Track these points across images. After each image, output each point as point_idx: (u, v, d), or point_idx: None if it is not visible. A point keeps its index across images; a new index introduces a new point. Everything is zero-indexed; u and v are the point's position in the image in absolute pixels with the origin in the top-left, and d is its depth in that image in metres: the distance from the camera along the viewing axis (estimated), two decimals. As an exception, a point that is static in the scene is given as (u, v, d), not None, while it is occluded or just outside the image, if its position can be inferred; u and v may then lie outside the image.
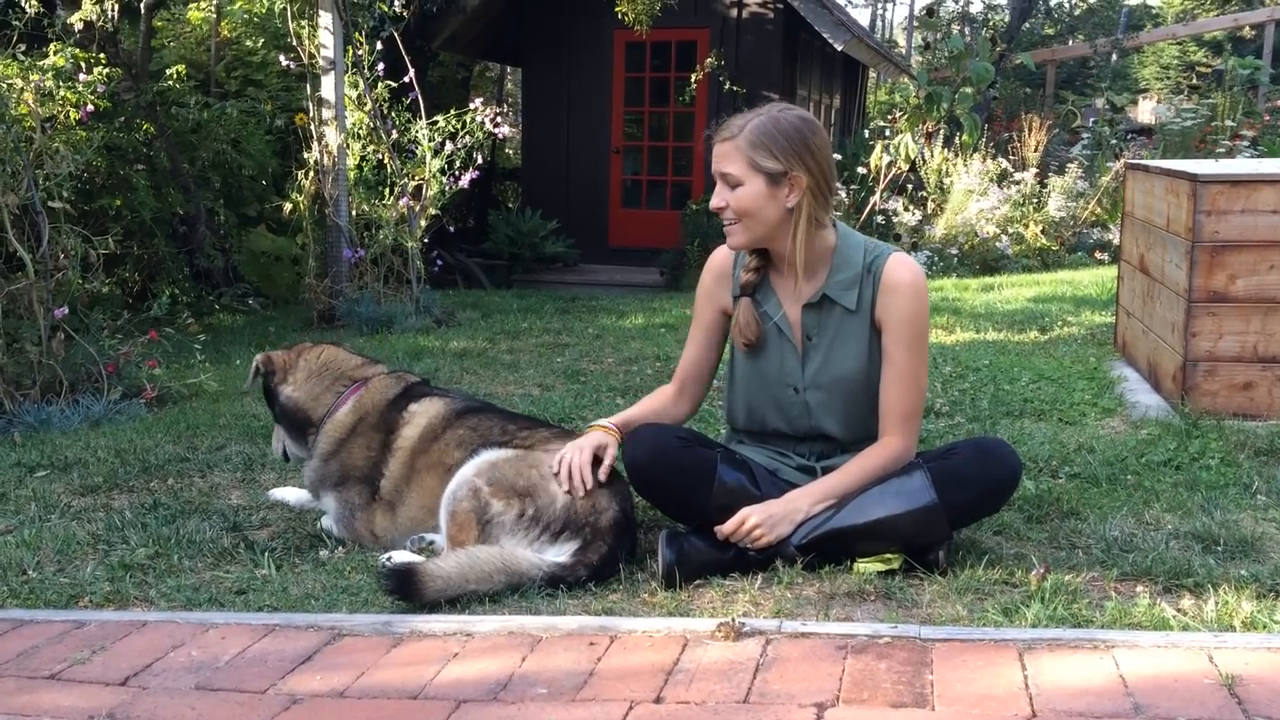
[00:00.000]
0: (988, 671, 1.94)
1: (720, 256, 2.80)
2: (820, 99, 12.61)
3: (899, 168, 8.69)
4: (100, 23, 7.04)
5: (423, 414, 2.90)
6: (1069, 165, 10.69)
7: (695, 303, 2.85)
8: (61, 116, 5.51)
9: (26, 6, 5.62)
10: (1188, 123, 11.30)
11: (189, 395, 4.91)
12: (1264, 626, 2.14)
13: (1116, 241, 7.12)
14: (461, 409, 2.91)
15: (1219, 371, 3.72)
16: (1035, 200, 9.91)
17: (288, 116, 8.43)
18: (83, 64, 5.69)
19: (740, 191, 2.55)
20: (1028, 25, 18.18)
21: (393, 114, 7.14)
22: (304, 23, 6.94)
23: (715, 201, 2.59)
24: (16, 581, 2.67)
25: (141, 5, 7.70)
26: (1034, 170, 10.30)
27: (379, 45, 7.15)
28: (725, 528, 2.52)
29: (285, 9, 7.07)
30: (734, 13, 10.73)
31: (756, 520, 2.50)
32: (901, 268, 2.61)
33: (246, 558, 2.79)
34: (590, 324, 6.74)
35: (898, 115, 9.86)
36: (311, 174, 7.05)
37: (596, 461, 2.61)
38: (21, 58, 5.38)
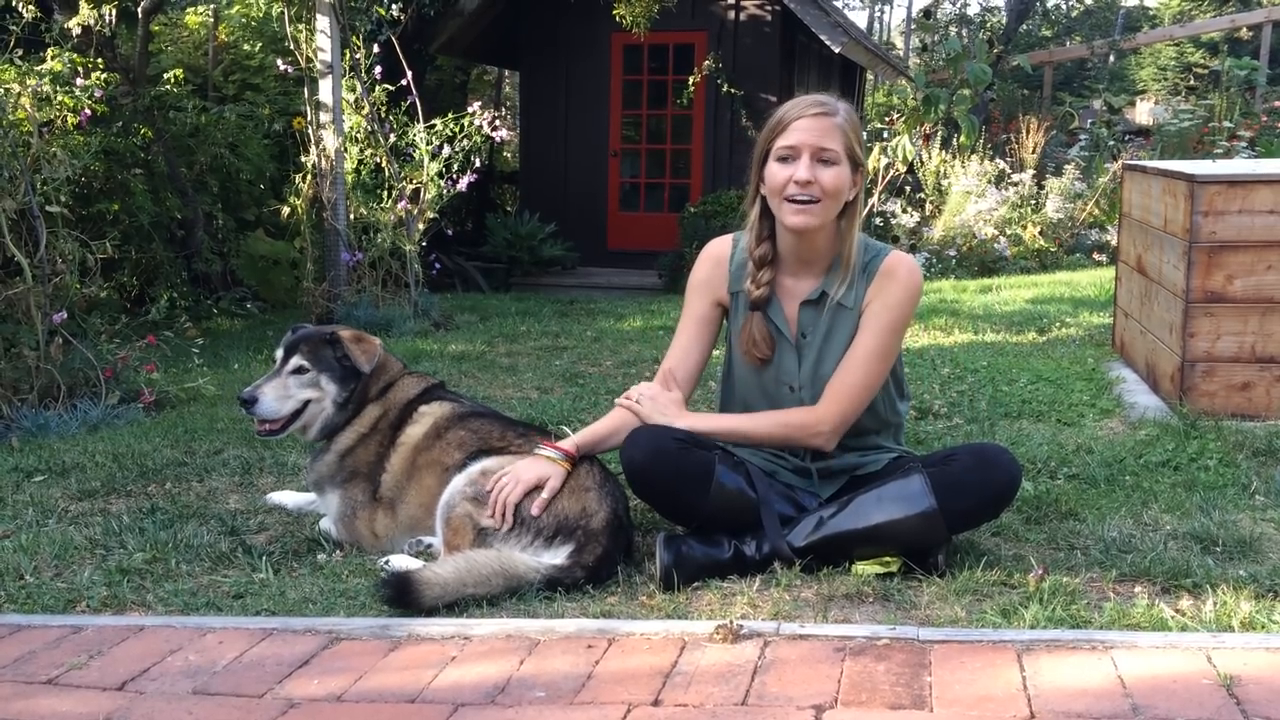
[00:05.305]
0: (986, 673, 1.93)
1: (717, 247, 2.77)
2: (818, 101, 12.58)
3: (897, 169, 8.69)
4: (98, 27, 7.04)
5: (430, 414, 2.95)
6: (1066, 167, 10.70)
7: (687, 294, 2.79)
8: (59, 121, 5.50)
9: (24, 11, 5.62)
10: (1185, 124, 11.31)
11: (187, 399, 4.91)
12: (1262, 626, 2.14)
13: (1114, 242, 7.12)
14: (466, 412, 2.97)
15: (1217, 372, 3.72)
16: (1033, 202, 9.92)
17: (285, 120, 8.42)
18: (80, 69, 5.69)
19: (835, 171, 2.52)
20: (1025, 27, 18.19)
21: (390, 117, 7.13)
22: (301, 27, 6.94)
23: (803, 174, 2.49)
24: (14, 586, 2.66)
25: (139, 10, 7.69)
26: (1032, 172, 10.30)
27: (376, 49, 7.15)
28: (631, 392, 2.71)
29: (282, 13, 7.08)
30: (731, 15, 10.72)
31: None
32: (900, 262, 2.63)
33: (244, 562, 2.79)
34: (589, 327, 6.75)
35: (895, 117, 9.86)
36: (309, 178, 7.04)
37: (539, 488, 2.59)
38: (19, 62, 5.38)
